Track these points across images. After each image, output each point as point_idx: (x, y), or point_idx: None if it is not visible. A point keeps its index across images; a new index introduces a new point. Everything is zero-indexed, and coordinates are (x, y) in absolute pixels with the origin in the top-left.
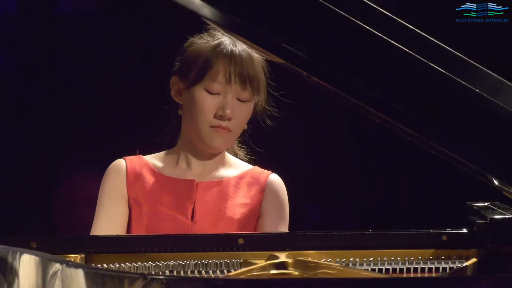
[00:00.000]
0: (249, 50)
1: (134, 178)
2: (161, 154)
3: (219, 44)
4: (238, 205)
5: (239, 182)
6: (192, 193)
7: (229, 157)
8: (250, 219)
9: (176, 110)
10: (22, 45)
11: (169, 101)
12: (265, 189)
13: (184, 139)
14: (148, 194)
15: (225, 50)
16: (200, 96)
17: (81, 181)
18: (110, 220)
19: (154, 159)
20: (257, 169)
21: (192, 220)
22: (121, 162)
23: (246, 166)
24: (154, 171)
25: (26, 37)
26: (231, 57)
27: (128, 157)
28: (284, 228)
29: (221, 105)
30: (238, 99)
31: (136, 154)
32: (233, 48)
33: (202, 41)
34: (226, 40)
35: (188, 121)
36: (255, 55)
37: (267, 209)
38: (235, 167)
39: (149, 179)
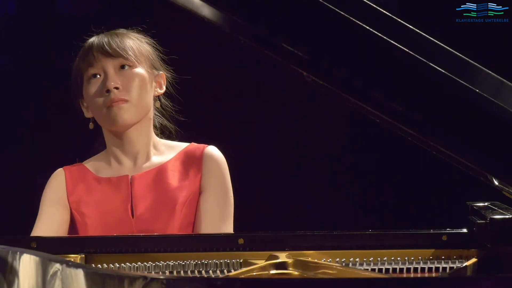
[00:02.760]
0: (111, 32)
1: (73, 187)
2: (97, 156)
3: (80, 51)
4: (176, 189)
5: (175, 164)
6: (128, 189)
7: (161, 141)
8: (192, 200)
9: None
10: (22, 45)
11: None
12: (202, 164)
13: (107, 139)
14: (89, 199)
15: (82, 48)
16: (87, 87)
17: None
18: (49, 225)
19: (92, 163)
20: (192, 145)
21: (133, 217)
22: (60, 172)
23: (181, 146)
24: (92, 175)
25: (26, 37)
26: (91, 45)
27: (67, 166)
28: (227, 206)
29: (103, 82)
30: (121, 68)
31: (76, 162)
32: (92, 39)
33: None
34: (88, 43)
35: (97, 119)
36: (123, 33)
37: (207, 185)
38: (169, 150)
39: (88, 184)
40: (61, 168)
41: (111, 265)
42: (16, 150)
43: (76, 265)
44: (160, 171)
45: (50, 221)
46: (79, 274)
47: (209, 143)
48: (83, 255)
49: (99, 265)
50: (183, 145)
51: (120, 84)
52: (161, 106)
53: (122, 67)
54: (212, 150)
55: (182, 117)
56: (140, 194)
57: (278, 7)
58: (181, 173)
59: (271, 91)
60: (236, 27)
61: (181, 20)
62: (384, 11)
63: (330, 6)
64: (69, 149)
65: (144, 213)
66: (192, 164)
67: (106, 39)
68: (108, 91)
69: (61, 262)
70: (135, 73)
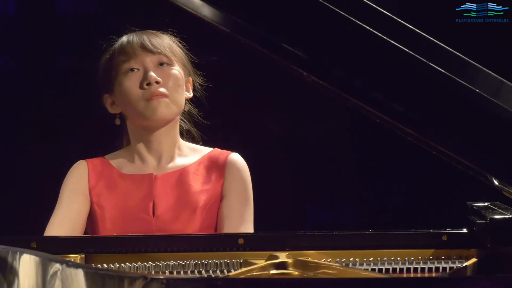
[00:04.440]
0: (148, 30)
1: (95, 180)
2: (120, 151)
3: (116, 46)
4: (198, 192)
5: (198, 168)
6: (151, 188)
7: (185, 144)
8: (213, 205)
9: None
10: (22, 45)
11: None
12: (225, 170)
13: (134, 137)
14: (110, 195)
15: (120, 43)
16: (123, 80)
17: None
18: (67, 216)
19: (115, 158)
20: (216, 151)
21: (153, 215)
22: (83, 163)
23: (204, 150)
24: (115, 170)
25: (26, 37)
26: (130, 40)
27: (90, 159)
28: (248, 210)
29: (143, 74)
30: (159, 64)
31: (99, 156)
32: (128, 37)
33: (105, 54)
34: (124, 38)
35: (127, 114)
36: (159, 32)
37: (229, 190)
38: (193, 153)
39: (110, 179)
40: (84, 160)
41: (111, 265)
42: (16, 150)
43: (76, 265)
44: (183, 173)
45: (69, 211)
46: (79, 274)
47: (208, 143)
48: (83, 255)
49: (99, 265)
50: (206, 150)
51: (159, 78)
52: (189, 110)
53: (161, 64)
54: (236, 157)
55: (204, 121)
56: (162, 193)
57: (278, 7)
58: (203, 177)
59: (271, 91)
60: (236, 27)
61: (181, 20)
62: (384, 11)
63: (330, 6)
64: (69, 149)
65: (165, 213)
66: (215, 169)
67: (145, 36)
68: (149, 84)
69: (61, 262)
70: (173, 70)
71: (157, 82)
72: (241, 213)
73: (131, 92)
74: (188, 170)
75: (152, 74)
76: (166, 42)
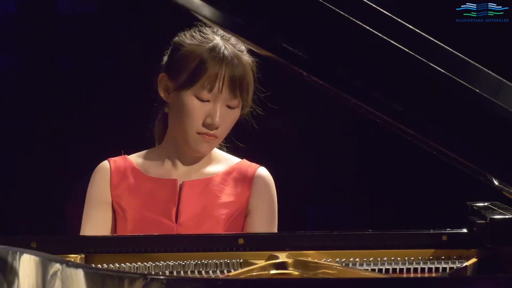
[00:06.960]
0: (238, 53)
1: (118, 181)
2: (147, 152)
3: (213, 48)
4: (224, 204)
5: (226, 178)
6: (175, 194)
7: (216, 152)
8: (237, 218)
9: (162, 107)
10: (22, 45)
11: (155, 95)
12: (252, 185)
13: (170, 138)
14: (132, 197)
15: (218, 57)
16: (189, 102)
17: (81, 180)
18: (96, 227)
19: (139, 159)
20: (245, 162)
21: (176, 222)
22: (105, 165)
23: (233, 160)
24: (139, 172)
25: (26, 37)
26: (224, 62)
27: (113, 158)
28: (273, 226)
29: (210, 112)
30: (227, 106)
31: (121, 155)
32: (226, 53)
33: (194, 42)
34: (220, 43)
35: (175, 122)
36: (245, 58)
37: (255, 207)
38: (222, 162)
39: (133, 180)
40: (106, 161)
41: (111, 265)
42: (15, 151)
43: (76, 265)
44: (211, 182)
45: (98, 222)
46: (79, 274)
47: None
48: (83, 255)
49: (99, 265)
50: (234, 160)
51: (222, 122)
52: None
53: (229, 106)
54: (264, 172)
55: None
56: (188, 201)
57: (278, 7)
58: (230, 189)
59: (270, 91)
60: (236, 27)
61: (181, 20)
62: (384, 11)
63: (330, 6)
64: (68, 150)
65: (188, 220)
66: (242, 181)
67: (236, 70)
68: (210, 125)
69: (61, 262)
70: (234, 116)
71: (217, 128)
72: (267, 230)
73: (189, 118)
74: (216, 179)
75: (217, 118)
76: (249, 84)
